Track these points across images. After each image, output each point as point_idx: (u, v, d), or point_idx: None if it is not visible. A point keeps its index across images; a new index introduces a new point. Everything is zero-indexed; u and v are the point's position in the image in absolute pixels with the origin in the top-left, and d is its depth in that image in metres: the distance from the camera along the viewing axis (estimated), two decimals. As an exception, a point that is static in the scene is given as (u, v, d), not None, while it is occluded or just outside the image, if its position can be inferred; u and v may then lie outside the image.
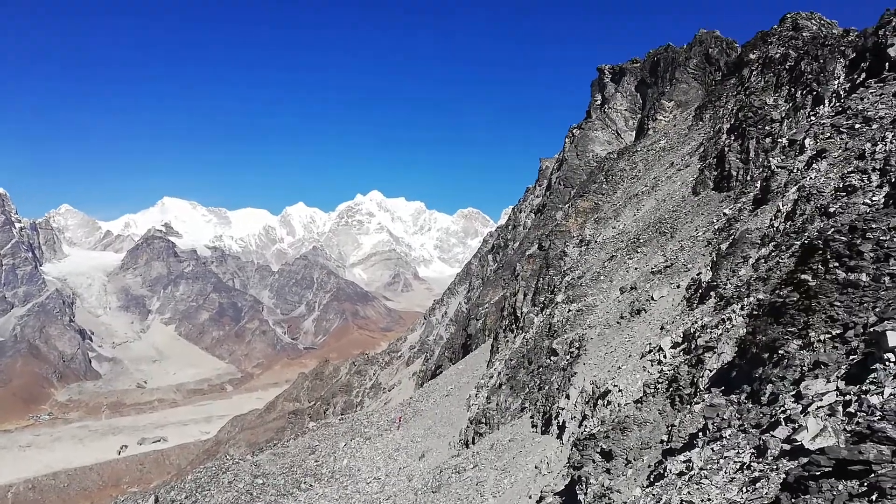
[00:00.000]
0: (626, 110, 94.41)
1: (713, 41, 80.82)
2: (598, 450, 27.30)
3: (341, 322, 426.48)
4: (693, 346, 28.95)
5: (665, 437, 24.41)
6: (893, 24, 39.02)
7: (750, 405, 19.50)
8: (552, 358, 45.90)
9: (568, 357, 43.19)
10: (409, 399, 73.34)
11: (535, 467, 35.26)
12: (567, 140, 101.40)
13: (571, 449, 31.23)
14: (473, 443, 47.55)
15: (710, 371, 25.60)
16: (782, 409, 16.24)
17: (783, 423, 15.20)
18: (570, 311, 49.55)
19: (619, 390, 32.71)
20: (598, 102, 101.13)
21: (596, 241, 60.54)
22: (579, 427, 34.57)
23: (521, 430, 42.44)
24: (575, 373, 39.56)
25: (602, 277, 50.97)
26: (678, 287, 39.21)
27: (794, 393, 16.76)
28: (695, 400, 24.35)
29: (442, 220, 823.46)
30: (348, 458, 54.63)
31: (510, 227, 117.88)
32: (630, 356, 35.84)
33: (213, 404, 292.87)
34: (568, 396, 37.87)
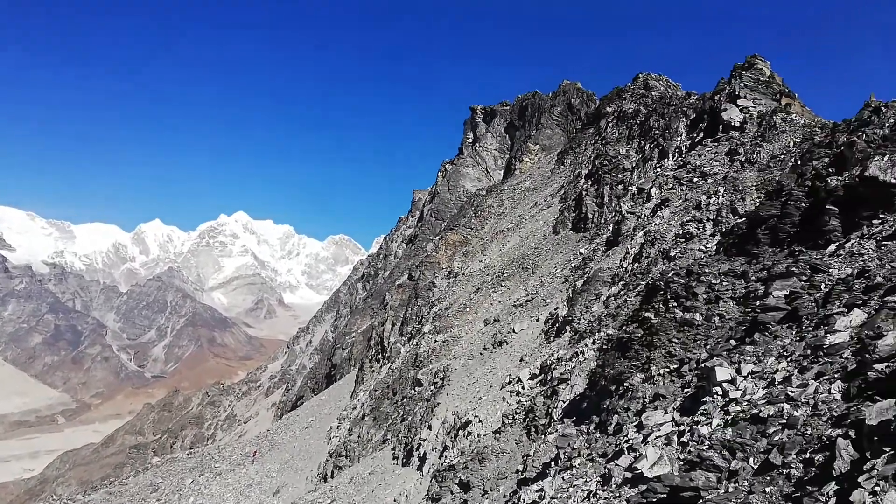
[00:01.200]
0: (495, 150, 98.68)
1: (575, 92, 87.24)
2: (457, 481, 27.56)
3: (196, 349, 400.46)
4: (549, 377, 30.31)
5: (520, 467, 25.17)
6: (726, 91, 44.27)
7: (598, 435, 20.68)
8: (417, 388, 46.01)
9: (432, 387, 43.51)
10: (267, 431, 70.04)
11: (394, 500, 34.85)
12: (440, 174, 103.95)
13: (431, 480, 31.28)
14: (332, 476, 46.19)
15: (564, 402, 26.89)
16: (626, 438, 17.37)
17: (626, 452, 16.24)
18: (436, 341, 50.13)
19: (480, 421, 33.38)
20: (470, 140, 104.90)
21: (463, 274, 62.06)
22: (440, 458, 34.76)
23: (383, 463, 41.89)
24: (438, 403, 39.89)
25: (468, 309, 52.21)
26: (538, 320, 41.06)
27: (636, 423, 17.99)
28: (549, 430, 25.40)
29: (312, 245, 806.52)
30: (195, 496, 50.87)
31: (381, 256, 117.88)
32: (491, 387, 36.80)
33: (42, 438, 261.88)
34: (430, 427, 38.02)
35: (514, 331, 41.77)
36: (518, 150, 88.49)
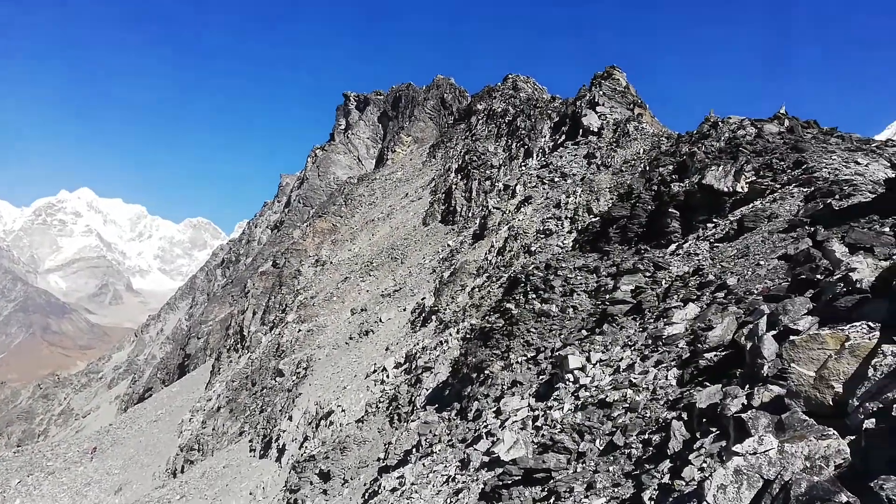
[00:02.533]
0: (368, 138, 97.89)
1: (448, 87, 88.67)
2: (317, 471, 27.13)
3: (27, 337, 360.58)
4: (414, 366, 30.68)
5: (382, 455, 25.28)
6: (587, 97, 47.05)
7: (458, 421, 21.23)
8: (278, 379, 44.68)
9: (294, 378, 42.45)
10: (109, 426, 64.67)
11: (251, 493, 33.65)
12: (310, 159, 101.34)
13: (290, 472, 30.55)
14: (183, 472, 43.67)
15: (428, 390, 27.35)
16: (485, 424, 18.00)
17: (484, 437, 16.83)
18: (300, 330, 48.94)
19: (343, 410, 33.09)
20: (343, 127, 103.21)
21: (331, 262, 61.08)
22: (300, 449, 34.03)
23: (238, 456, 40.26)
24: (300, 393, 39.01)
25: (335, 298, 51.48)
26: (405, 310, 41.39)
27: (495, 409, 18.70)
28: (412, 418, 25.73)
29: (166, 227, 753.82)
30: (22, 498, 45.95)
31: (244, 242, 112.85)
32: (356, 376, 36.59)
33: None
34: (291, 418, 37.11)
35: (381, 320, 41.78)
36: (391, 140, 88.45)
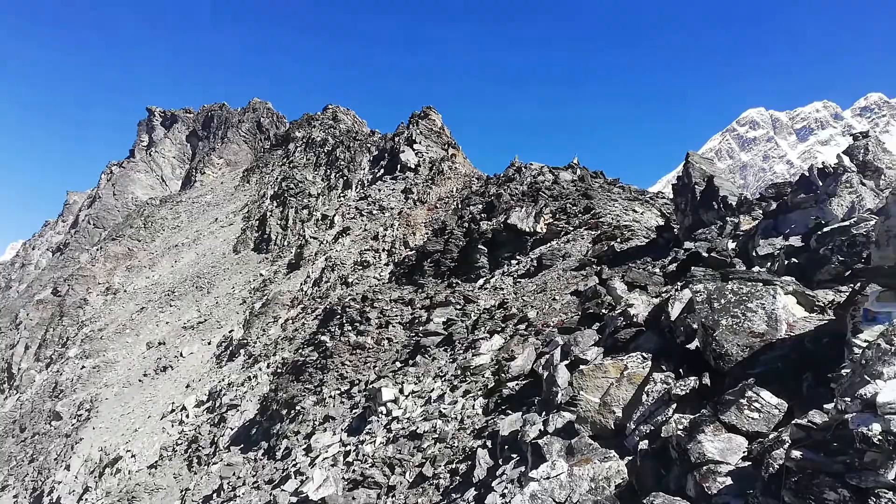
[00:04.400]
0: (174, 157, 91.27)
1: (266, 111, 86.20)
2: (99, 528, 24.08)
3: None
4: (218, 404, 28.71)
5: (178, 503, 23.17)
6: (405, 134, 48.61)
7: (266, 461, 20.21)
8: (54, 423, 39.09)
9: (74, 421, 37.45)
10: None
11: (12, 561, 28.81)
12: (104, 176, 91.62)
13: (64, 531, 26.74)
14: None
15: (233, 429, 25.71)
16: (294, 462, 17.33)
17: (293, 477, 16.19)
18: (84, 367, 43.46)
19: (133, 456, 29.84)
20: (145, 144, 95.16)
21: (126, 291, 55.41)
22: (79, 502, 29.95)
23: (-3, 517, 34.36)
24: (81, 439, 34.48)
25: (128, 331, 46.65)
26: (209, 344, 38.74)
27: (305, 447, 18.10)
28: (213, 460, 23.97)
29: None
30: None
31: (17, 266, 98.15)
32: (150, 417, 33.30)
33: None
34: (68, 467, 32.57)
35: (181, 355, 38.65)
36: (200, 161, 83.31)
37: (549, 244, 24.27)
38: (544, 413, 9.37)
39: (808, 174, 12.87)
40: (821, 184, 11.92)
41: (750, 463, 4.91)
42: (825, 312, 7.37)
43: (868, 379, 3.85)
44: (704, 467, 5.11)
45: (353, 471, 13.66)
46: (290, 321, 33.22)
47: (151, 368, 38.87)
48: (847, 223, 9.40)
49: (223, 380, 31.43)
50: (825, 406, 4.26)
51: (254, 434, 23.45)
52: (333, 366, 21.98)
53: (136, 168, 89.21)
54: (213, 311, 43.28)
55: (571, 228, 24.78)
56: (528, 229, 25.32)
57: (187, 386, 34.79)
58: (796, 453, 3.85)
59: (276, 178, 60.70)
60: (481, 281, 24.52)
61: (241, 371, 31.38)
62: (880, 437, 3.39)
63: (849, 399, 3.77)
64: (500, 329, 17.93)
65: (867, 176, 11.86)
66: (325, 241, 41.47)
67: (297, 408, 21.29)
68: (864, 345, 4.48)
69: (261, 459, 20.53)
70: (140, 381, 38.46)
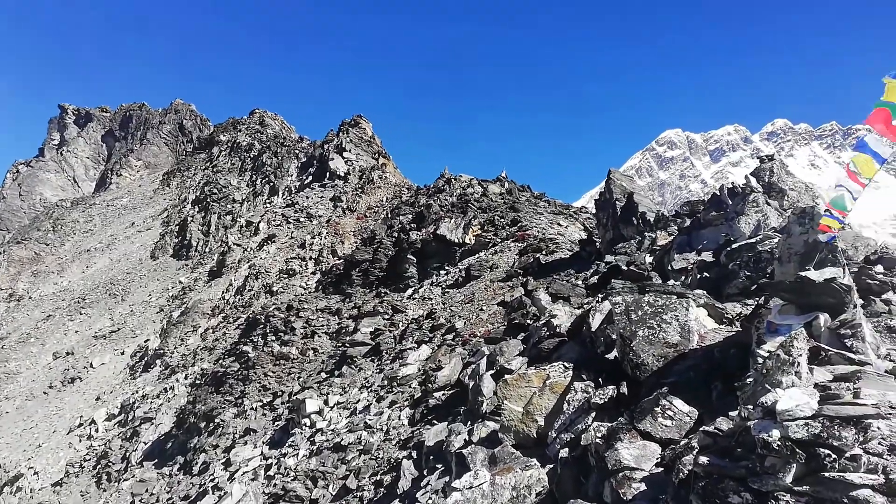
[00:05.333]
0: (88, 158, 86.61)
1: (188, 113, 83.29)
2: (-7, 553, 22.37)
3: None
4: (131, 417, 27.32)
5: (84, 524, 21.84)
6: (335, 142, 48.11)
7: (182, 476, 19.38)
8: (-58, 441, 36.08)
9: (-33, 438, 34.70)
10: None
11: None
12: (9, 175, 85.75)
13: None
14: None
15: (147, 443, 24.50)
16: (212, 477, 16.69)
17: (211, 492, 15.59)
18: (-21, 379, 40.37)
19: (36, 473, 27.92)
20: (56, 143, 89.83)
21: (31, 297, 51.95)
22: (-30, 527, 27.71)
23: None
24: (-25, 457, 31.97)
25: (33, 340, 43.72)
26: (123, 354, 36.87)
27: (224, 461, 17.48)
28: (125, 476, 22.76)
29: None
30: None
31: None
32: (55, 432, 31.29)
33: None
34: (-41, 489, 30.10)
35: (91, 365, 36.58)
36: (117, 162, 79.41)
37: (477, 255, 24.57)
38: (470, 423, 9.45)
39: (719, 194, 13.64)
40: (730, 203, 12.65)
41: (662, 469, 5.12)
42: (733, 324, 7.81)
43: (769, 388, 4.11)
44: (620, 474, 5.30)
45: (275, 485, 13.30)
46: (211, 330, 32.08)
47: (58, 380, 36.57)
48: (753, 240, 10.02)
49: (137, 392, 29.95)
50: (731, 413, 4.50)
51: (169, 448, 22.44)
52: (256, 377, 21.37)
53: (46, 168, 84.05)
54: (128, 319, 41.23)
55: (499, 240, 25.19)
56: (457, 240, 25.56)
57: (97, 398, 32.94)
58: (703, 459, 4.05)
59: (199, 183, 58.65)
60: (410, 291, 24.53)
61: (157, 382, 30.01)
62: (779, 443, 3.62)
63: (751, 407, 4.01)
64: (427, 339, 17.97)
65: (772, 196, 12.69)
66: (249, 249, 40.37)
67: (217, 420, 20.56)
68: (766, 355, 4.78)
69: (176, 475, 19.66)
70: (45, 393, 36.09)
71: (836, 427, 3.59)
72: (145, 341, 36.10)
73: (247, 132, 64.22)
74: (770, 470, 3.67)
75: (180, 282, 43.17)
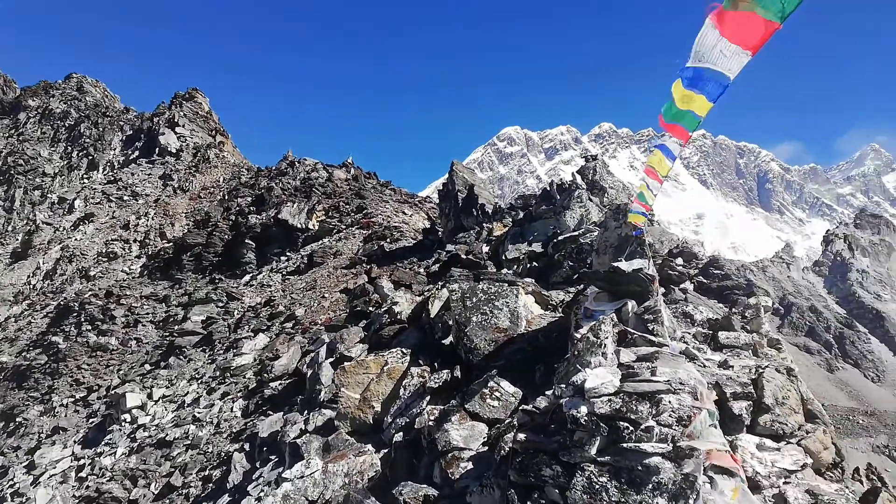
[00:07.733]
0: None
1: (-10, 71, 72.53)
2: None
3: None
4: None
5: None
6: (166, 115, 44.52)
7: (-28, 486, 17.04)
8: None
9: None
10: None
11: None
12: None
13: None
14: None
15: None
16: (11, 483, 14.86)
17: (9, 500, 13.89)
18: None
19: None
20: None
21: None
22: None
23: None
24: None
25: None
26: None
27: (27, 464, 15.64)
28: None
29: None
30: None
31: None
32: None
33: None
34: None
35: None
36: None
37: (320, 242, 24.13)
38: (306, 412, 9.30)
39: (549, 189, 14.62)
40: (558, 198, 13.61)
41: (488, 448, 5.42)
42: (557, 310, 8.44)
43: (579, 368, 4.50)
44: (450, 454, 5.52)
45: (88, 487, 12.16)
46: (13, 319, 28.42)
47: None
48: (577, 233, 10.87)
49: (-86, 391, 25.77)
50: (548, 392, 4.87)
51: (-44, 455, 19.61)
52: (67, 370, 19.30)
53: None
54: None
55: (344, 227, 24.94)
56: (299, 225, 24.90)
57: None
58: (521, 436, 4.34)
59: (2, 153, 51.44)
60: (248, 277, 23.50)
61: (-58, 380, 26.04)
62: (586, 418, 3.98)
63: (564, 385, 4.36)
64: (265, 328, 17.37)
65: (594, 193, 13.85)
66: (61, 228, 36.21)
67: (19, 419, 18.31)
68: (580, 338, 5.22)
69: (-35, 484, 17.24)
70: None
71: (633, 402, 4.01)
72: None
73: (62, 98, 57.30)
74: (578, 443, 4.02)
75: (-26, 264, 37.70)
